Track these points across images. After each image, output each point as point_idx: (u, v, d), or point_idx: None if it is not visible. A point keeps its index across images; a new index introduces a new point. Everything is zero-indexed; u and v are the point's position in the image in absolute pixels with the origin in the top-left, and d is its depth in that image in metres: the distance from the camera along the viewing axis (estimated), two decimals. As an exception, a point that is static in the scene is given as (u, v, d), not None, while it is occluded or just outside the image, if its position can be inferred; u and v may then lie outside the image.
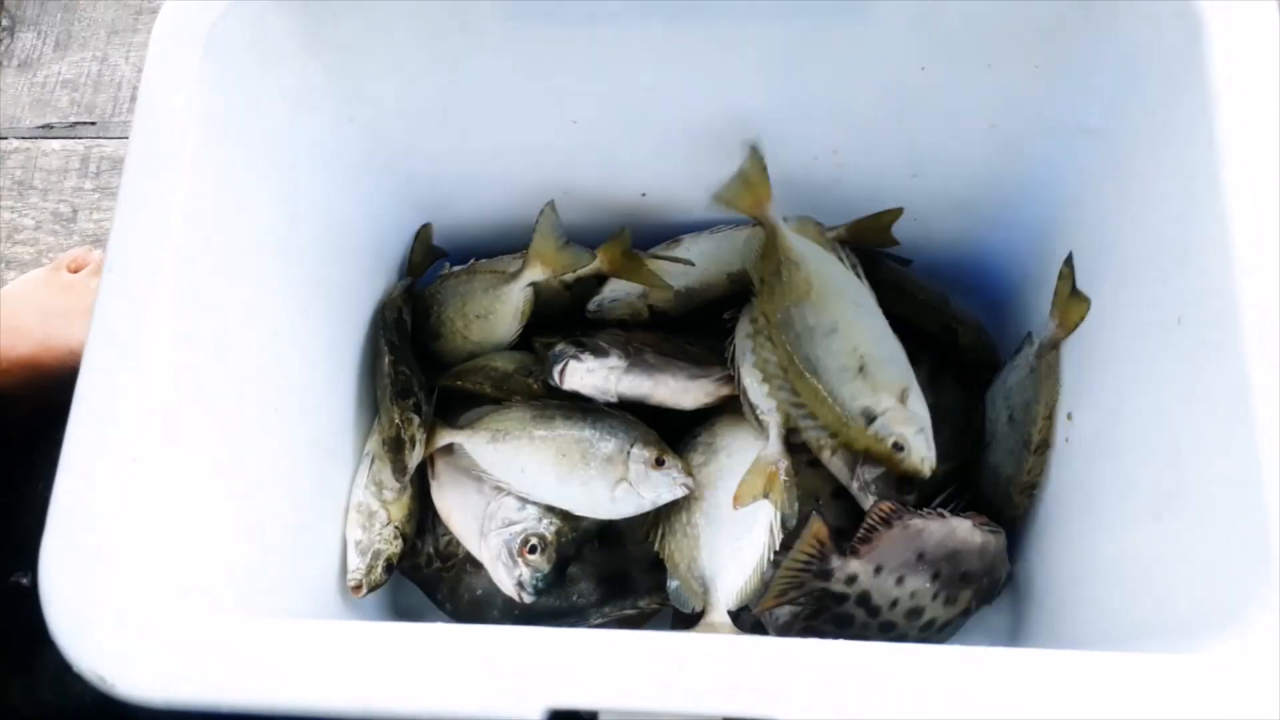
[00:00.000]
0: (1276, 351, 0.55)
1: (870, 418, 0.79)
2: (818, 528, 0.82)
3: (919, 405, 0.82)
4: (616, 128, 0.83)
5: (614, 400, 0.88)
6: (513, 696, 0.52)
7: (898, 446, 0.79)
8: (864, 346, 0.81)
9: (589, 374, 0.86)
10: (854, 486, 0.88)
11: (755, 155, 0.83)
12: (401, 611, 0.97)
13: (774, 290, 0.84)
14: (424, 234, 0.99)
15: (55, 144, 1.29)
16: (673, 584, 0.85)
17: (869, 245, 0.95)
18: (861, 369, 0.80)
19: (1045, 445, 0.86)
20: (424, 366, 0.97)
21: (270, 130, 0.76)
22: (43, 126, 1.31)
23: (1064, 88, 0.74)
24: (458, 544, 0.91)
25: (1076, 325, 0.81)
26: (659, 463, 0.85)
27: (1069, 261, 0.82)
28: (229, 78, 0.69)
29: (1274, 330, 0.55)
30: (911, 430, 0.79)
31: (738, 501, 0.82)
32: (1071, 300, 0.82)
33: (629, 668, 0.53)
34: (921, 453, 0.79)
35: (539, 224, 0.89)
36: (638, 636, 0.54)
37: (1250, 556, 0.56)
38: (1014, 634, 0.93)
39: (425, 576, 0.93)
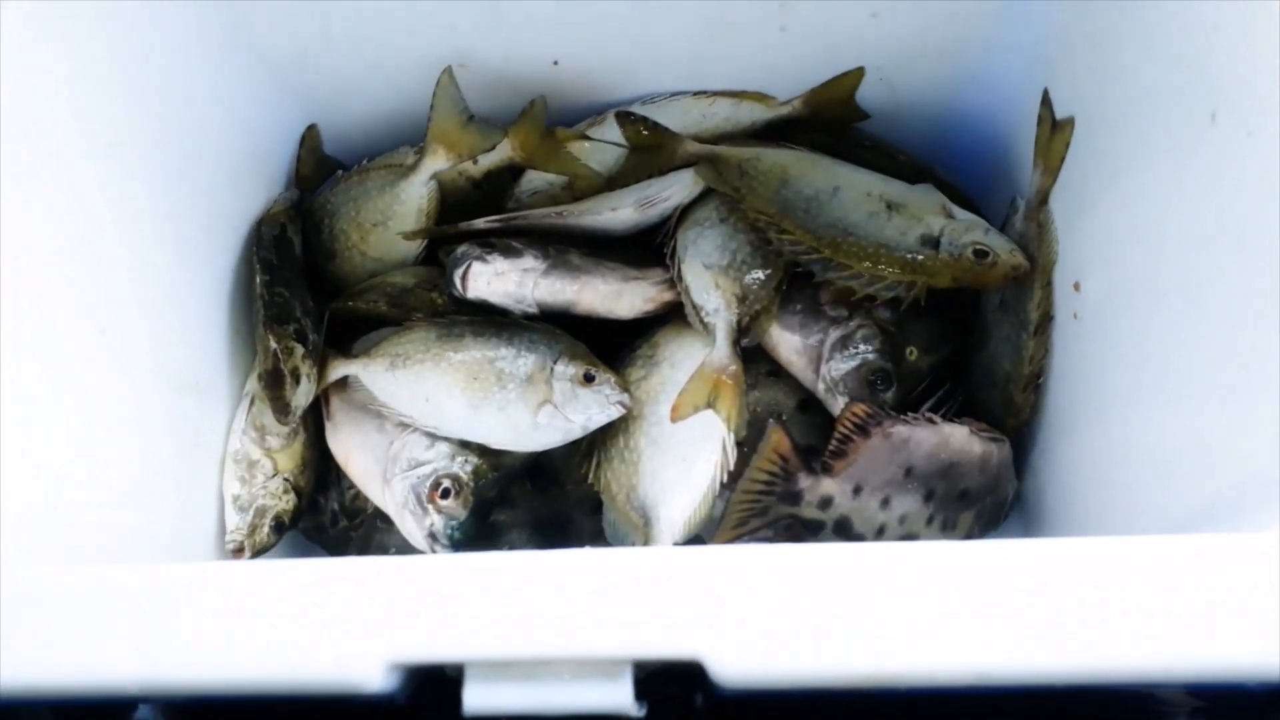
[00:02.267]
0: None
1: (933, 243, 0.72)
2: (778, 439, 0.68)
3: (964, 212, 0.75)
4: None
5: (533, 310, 0.75)
6: (345, 651, 0.38)
7: (980, 254, 0.72)
8: (875, 188, 0.75)
9: (498, 278, 0.72)
10: (820, 389, 0.76)
11: (626, 119, 0.78)
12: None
13: (752, 189, 0.76)
14: (310, 138, 0.86)
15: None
16: (609, 517, 0.72)
17: (834, 119, 0.83)
18: (889, 206, 0.74)
19: (1047, 321, 0.74)
20: (322, 292, 0.83)
21: (113, 12, 0.62)
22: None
23: None
24: (366, 498, 0.77)
25: (1062, 160, 0.71)
26: (588, 379, 0.72)
27: (1046, 99, 0.72)
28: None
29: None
30: (980, 232, 0.73)
31: (675, 413, 0.70)
32: (1054, 136, 0.72)
33: (501, 603, 0.39)
34: (1006, 246, 0.73)
35: (435, 99, 0.76)
36: (511, 560, 0.40)
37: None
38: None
39: (330, 537, 0.80)
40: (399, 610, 0.39)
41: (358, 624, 0.39)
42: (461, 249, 0.73)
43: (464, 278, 0.72)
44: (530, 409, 0.71)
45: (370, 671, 0.38)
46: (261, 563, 0.41)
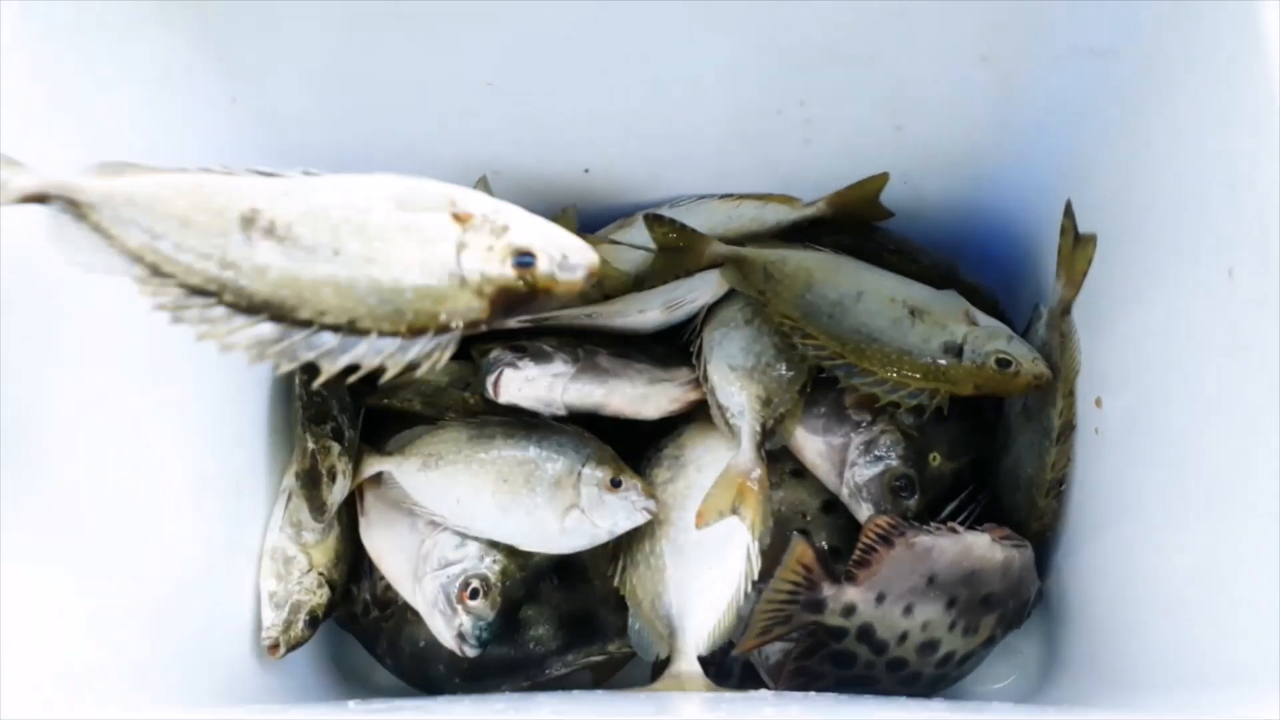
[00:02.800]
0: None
1: (956, 350, 0.73)
2: (801, 550, 0.69)
3: (988, 319, 0.76)
4: (542, 90, 0.71)
5: (561, 412, 0.76)
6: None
7: (1003, 363, 0.72)
8: (899, 293, 0.76)
9: (529, 383, 0.74)
10: (844, 493, 0.77)
11: (655, 221, 0.79)
12: (346, 670, 0.86)
13: (777, 293, 0.77)
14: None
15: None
16: (635, 625, 0.73)
17: (858, 219, 0.84)
18: (913, 313, 0.75)
19: (1069, 430, 0.74)
20: (359, 384, 0.85)
21: (132, 114, 0.65)
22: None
23: (1063, 2, 0.61)
24: (397, 590, 0.79)
25: (1084, 274, 0.72)
26: (615, 484, 0.73)
27: (1069, 210, 0.73)
28: (62, 54, 0.58)
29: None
30: (1003, 341, 0.74)
31: (700, 519, 0.72)
32: (1077, 248, 0.73)
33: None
34: (1029, 355, 0.73)
35: None
36: None
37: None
38: (1047, 664, 0.81)
39: (363, 627, 0.82)
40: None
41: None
42: (494, 353, 0.75)
43: (496, 384, 0.74)
44: (557, 513, 0.73)
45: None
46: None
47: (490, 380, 0.74)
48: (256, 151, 0.75)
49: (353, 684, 0.85)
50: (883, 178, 0.80)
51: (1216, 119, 0.53)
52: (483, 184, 0.78)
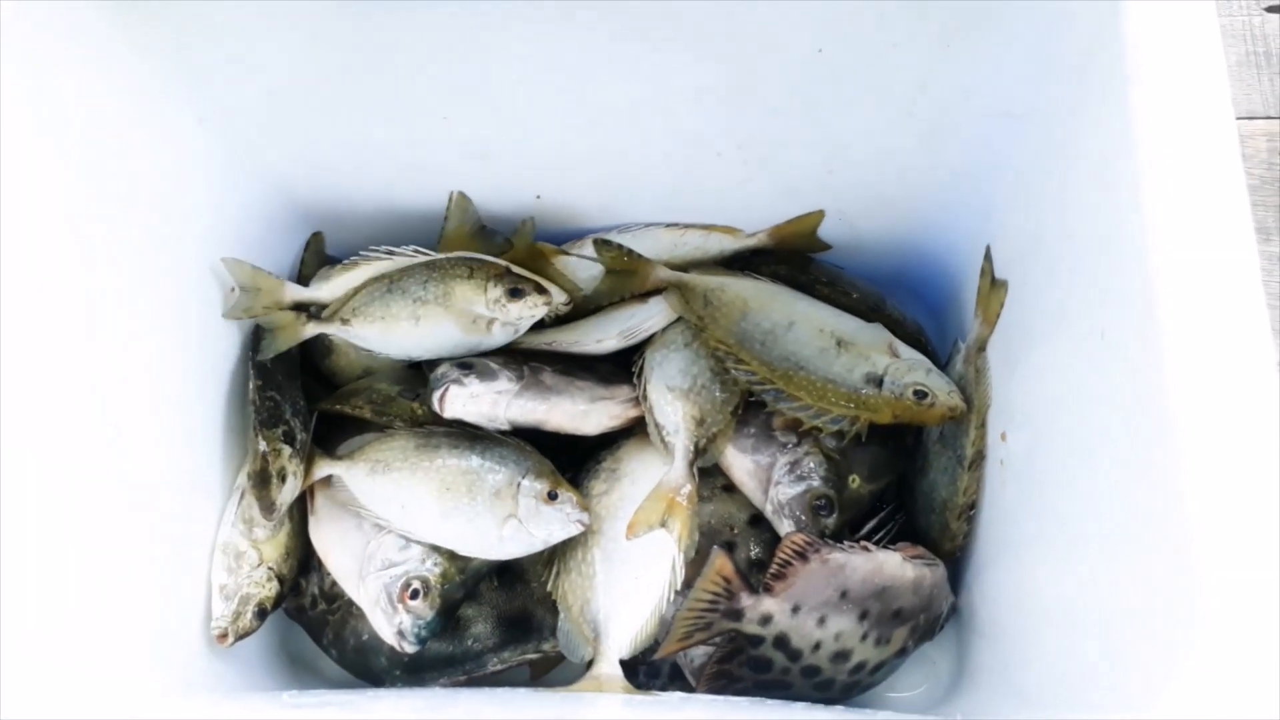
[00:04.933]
0: (1201, 378, 0.47)
1: (877, 381, 0.78)
2: (721, 563, 0.74)
3: (910, 351, 0.80)
4: (496, 123, 0.75)
5: (505, 427, 0.80)
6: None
7: (919, 394, 0.77)
8: (828, 324, 0.80)
9: (473, 400, 0.78)
10: (768, 510, 0.81)
11: (604, 245, 0.84)
12: (292, 655, 0.89)
13: (714, 319, 0.81)
14: (315, 243, 0.92)
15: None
16: (564, 628, 0.77)
17: (797, 250, 0.89)
18: (839, 343, 0.79)
19: (980, 459, 0.79)
20: (319, 385, 0.89)
21: (101, 135, 0.68)
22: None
23: (982, 68, 0.66)
24: (344, 585, 0.82)
25: (998, 316, 0.77)
26: (551, 496, 0.77)
27: (988, 255, 0.77)
28: (33, 79, 0.61)
29: (1198, 353, 0.47)
30: (922, 373, 0.77)
31: (631, 530, 0.75)
32: (992, 291, 0.77)
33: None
34: (945, 388, 0.78)
35: (450, 211, 0.83)
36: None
37: (1179, 600, 0.48)
38: (958, 671, 0.86)
39: (310, 619, 0.85)
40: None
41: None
42: (441, 369, 0.79)
43: (442, 399, 0.77)
44: (496, 521, 0.76)
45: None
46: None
47: (436, 396, 0.77)
48: (222, 171, 0.79)
49: (300, 671, 0.88)
50: (818, 215, 0.85)
51: (1099, 192, 0.57)
52: (461, 195, 0.83)
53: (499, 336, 0.82)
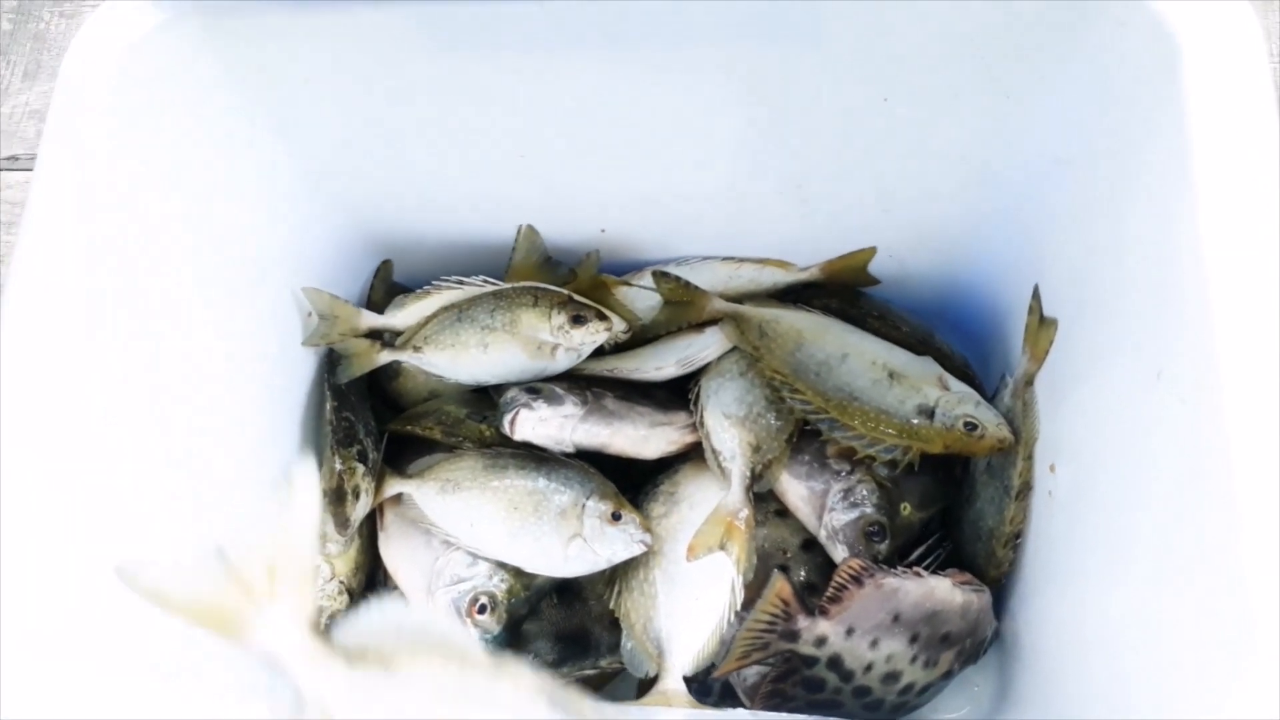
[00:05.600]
0: (1260, 417, 0.50)
1: (929, 413, 0.80)
2: (780, 586, 0.76)
3: (960, 384, 0.83)
4: (567, 163, 0.79)
5: (570, 450, 0.83)
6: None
7: (969, 426, 0.79)
8: (880, 357, 0.83)
9: (541, 423, 0.81)
10: (822, 535, 0.83)
11: (662, 277, 0.87)
12: (354, 669, 0.92)
13: (770, 350, 0.84)
14: (384, 270, 0.95)
15: (21, 176, 1.26)
16: (628, 645, 0.80)
17: (847, 285, 0.92)
18: (892, 376, 0.82)
19: (1027, 489, 0.81)
20: (384, 407, 0.92)
21: (195, 164, 0.72)
22: (9, 158, 1.28)
23: (1036, 116, 0.69)
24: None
25: (1046, 353, 0.79)
26: (615, 517, 0.80)
27: (1036, 294, 0.79)
28: (143, 106, 0.65)
29: (1258, 393, 0.50)
30: (971, 406, 0.80)
31: (691, 553, 0.78)
32: (1041, 329, 0.79)
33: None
34: (994, 420, 0.80)
35: (518, 243, 0.87)
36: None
37: (1233, 631, 0.50)
38: (1000, 696, 0.87)
39: (375, 633, 0.88)
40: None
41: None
42: (510, 394, 0.82)
43: (513, 423, 0.81)
44: (562, 541, 0.79)
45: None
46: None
47: (507, 419, 0.81)
48: (305, 201, 0.83)
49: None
50: (870, 251, 0.88)
51: (1154, 232, 0.60)
52: (529, 228, 0.87)
53: (562, 362, 0.86)
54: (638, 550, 0.79)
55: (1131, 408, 0.63)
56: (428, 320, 0.87)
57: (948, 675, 0.82)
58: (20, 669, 0.53)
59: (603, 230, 0.87)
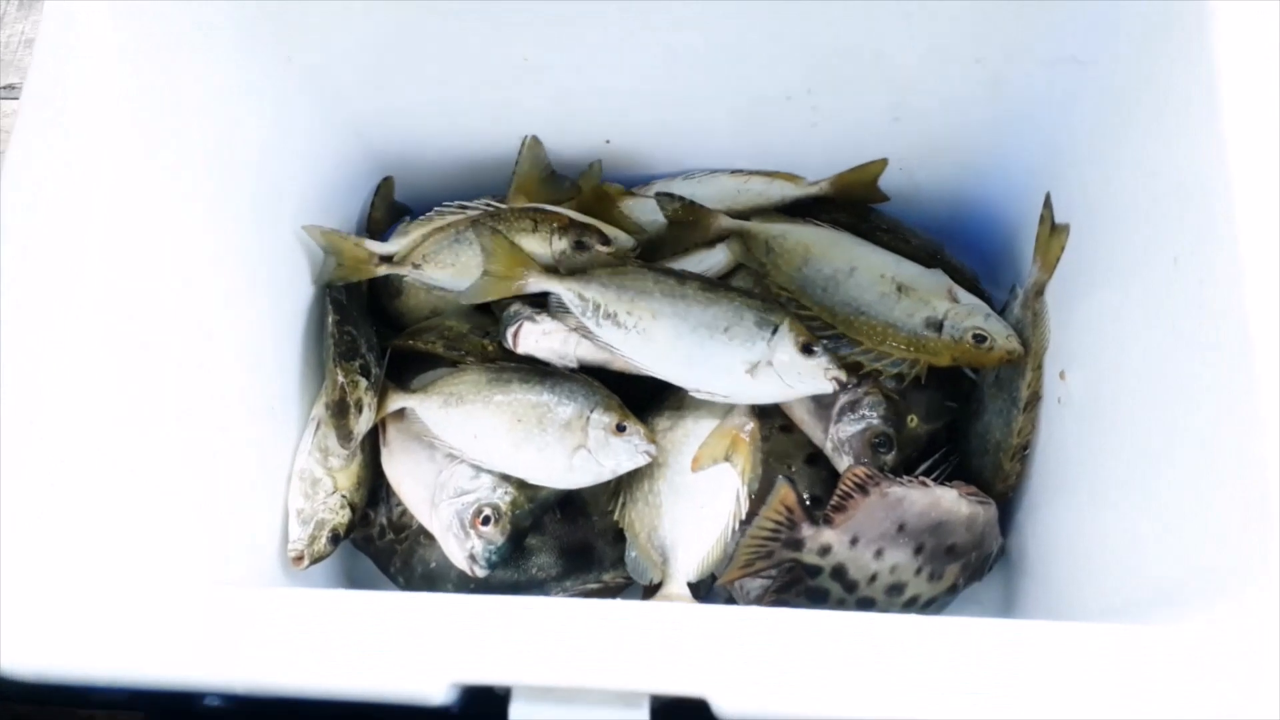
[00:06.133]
0: (1277, 296, 0.49)
1: (936, 325, 0.79)
2: (785, 493, 0.76)
3: (970, 297, 0.82)
4: (573, 66, 0.77)
5: (574, 365, 0.82)
6: (415, 670, 0.47)
7: (978, 338, 0.78)
8: (889, 270, 0.82)
9: (545, 336, 0.80)
10: (828, 447, 0.83)
11: (666, 199, 0.85)
12: (355, 582, 0.92)
13: (776, 266, 0.83)
14: (385, 188, 0.94)
15: (17, 104, 1.25)
16: (631, 554, 0.80)
17: (856, 199, 0.90)
18: (900, 289, 0.81)
19: (1035, 400, 0.80)
20: (385, 326, 0.92)
21: (194, 69, 0.71)
22: (6, 86, 1.26)
23: (1051, 15, 0.68)
24: (412, 516, 0.85)
25: (1057, 260, 0.78)
26: (620, 429, 0.79)
27: (1048, 201, 0.78)
28: (139, 8, 0.64)
29: (1275, 273, 0.49)
30: (980, 318, 0.79)
31: (696, 464, 0.78)
32: (1052, 237, 0.78)
33: (546, 638, 0.47)
34: (1003, 332, 0.79)
35: (522, 156, 0.85)
36: (557, 604, 0.48)
37: (1250, 517, 0.50)
38: (1005, 613, 0.87)
39: (378, 548, 0.88)
40: (462, 639, 0.48)
41: (428, 648, 0.47)
42: (514, 307, 0.81)
43: (515, 335, 0.80)
44: (566, 452, 0.79)
45: (436, 687, 0.47)
46: (355, 593, 0.49)
47: (510, 332, 0.80)
48: (306, 114, 0.81)
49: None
50: (881, 163, 0.86)
51: (1171, 129, 0.59)
52: (534, 139, 0.84)
53: None
54: (642, 461, 0.79)
55: (1147, 302, 0.62)
56: (425, 239, 0.85)
57: (953, 590, 0.82)
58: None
59: (608, 141, 0.86)
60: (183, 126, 0.70)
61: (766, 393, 0.79)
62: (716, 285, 0.81)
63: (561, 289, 0.80)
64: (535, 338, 0.80)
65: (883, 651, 0.45)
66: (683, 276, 0.81)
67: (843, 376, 0.77)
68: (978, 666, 0.45)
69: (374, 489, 0.87)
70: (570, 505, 0.87)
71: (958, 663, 0.45)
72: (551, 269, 0.82)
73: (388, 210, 0.94)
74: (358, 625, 0.48)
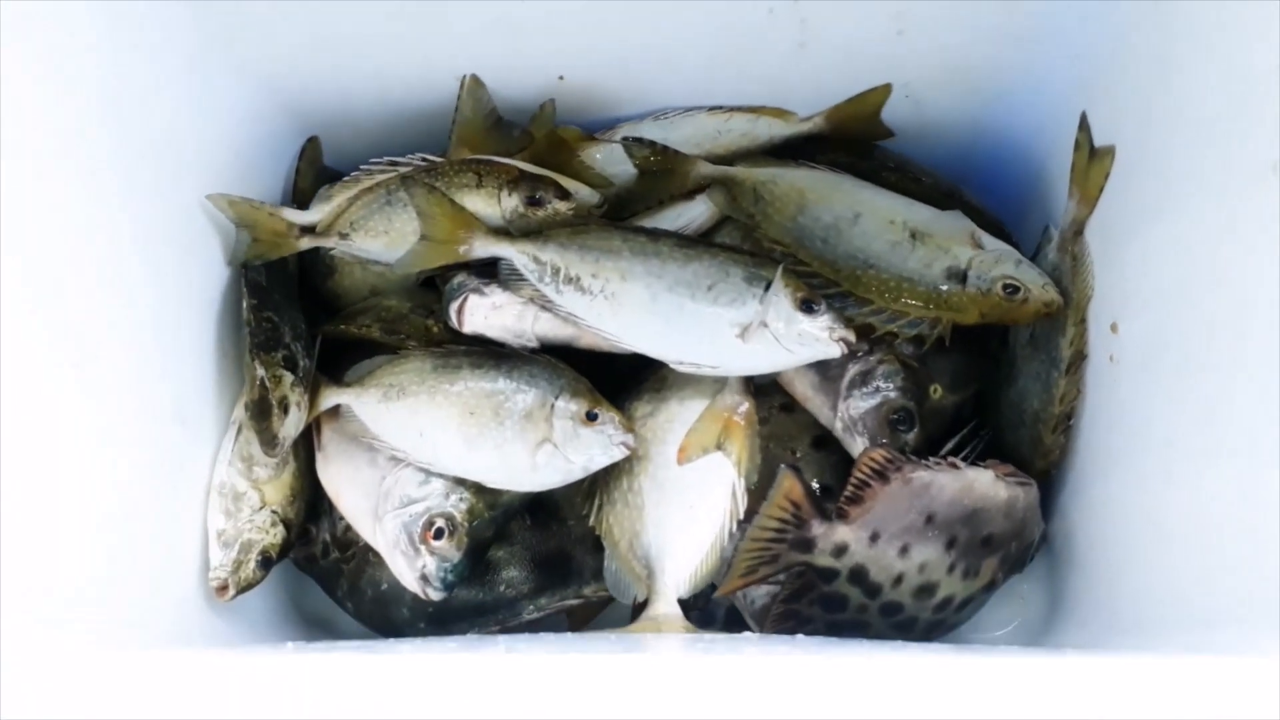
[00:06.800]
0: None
1: (959, 276, 0.69)
2: (789, 485, 0.66)
3: (996, 241, 0.72)
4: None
5: (533, 344, 0.72)
6: None
7: (1010, 289, 0.68)
8: (899, 214, 0.72)
9: (495, 311, 0.70)
10: (838, 427, 0.73)
11: (634, 144, 0.75)
12: (306, 614, 0.83)
13: (767, 216, 0.73)
14: (311, 150, 0.83)
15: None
16: (611, 566, 0.70)
17: (856, 136, 0.80)
18: (914, 235, 0.71)
19: (1080, 359, 0.71)
20: (321, 311, 0.81)
21: (64, 22, 0.59)
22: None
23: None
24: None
25: (1100, 191, 0.68)
26: (590, 417, 0.69)
27: (1084, 123, 0.69)
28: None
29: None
30: (1011, 265, 0.69)
31: (683, 454, 0.69)
32: (1092, 164, 0.69)
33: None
34: (1039, 280, 0.69)
35: (462, 99, 0.75)
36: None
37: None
38: (1051, 609, 0.78)
39: (322, 569, 0.78)
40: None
41: None
42: (459, 278, 0.71)
43: (460, 311, 0.69)
44: (529, 448, 0.69)
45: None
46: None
47: (454, 307, 0.70)
48: (208, 66, 0.70)
49: (314, 629, 0.82)
50: (884, 90, 0.76)
51: (1232, 41, 0.48)
52: (474, 79, 0.74)
53: None
54: (619, 455, 0.69)
55: (1227, 223, 0.51)
56: (351, 203, 0.74)
57: (990, 586, 0.73)
58: None
59: (561, 78, 0.75)
60: (61, 77, 0.59)
61: (761, 361, 0.69)
62: (695, 241, 0.71)
63: (513, 252, 0.69)
64: (484, 313, 0.70)
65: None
66: (655, 234, 0.71)
67: (851, 337, 0.67)
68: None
69: (313, 500, 0.77)
70: (541, 509, 0.77)
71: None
72: (501, 230, 0.71)
73: (315, 176, 0.83)
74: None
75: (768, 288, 0.67)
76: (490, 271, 0.71)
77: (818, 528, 0.66)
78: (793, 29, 0.69)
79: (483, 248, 0.69)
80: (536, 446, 0.69)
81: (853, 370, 0.72)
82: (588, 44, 0.72)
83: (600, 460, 0.69)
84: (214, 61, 0.72)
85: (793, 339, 0.66)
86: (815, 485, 0.74)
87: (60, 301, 0.59)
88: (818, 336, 0.66)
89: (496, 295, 0.69)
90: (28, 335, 0.56)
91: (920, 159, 0.81)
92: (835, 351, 0.66)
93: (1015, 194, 0.82)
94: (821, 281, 0.71)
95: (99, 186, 0.63)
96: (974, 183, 0.82)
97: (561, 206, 0.72)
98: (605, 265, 0.68)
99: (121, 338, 0.64)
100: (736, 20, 0.69)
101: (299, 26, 0.71)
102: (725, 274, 0.67)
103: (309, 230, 0.75)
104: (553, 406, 0.69)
